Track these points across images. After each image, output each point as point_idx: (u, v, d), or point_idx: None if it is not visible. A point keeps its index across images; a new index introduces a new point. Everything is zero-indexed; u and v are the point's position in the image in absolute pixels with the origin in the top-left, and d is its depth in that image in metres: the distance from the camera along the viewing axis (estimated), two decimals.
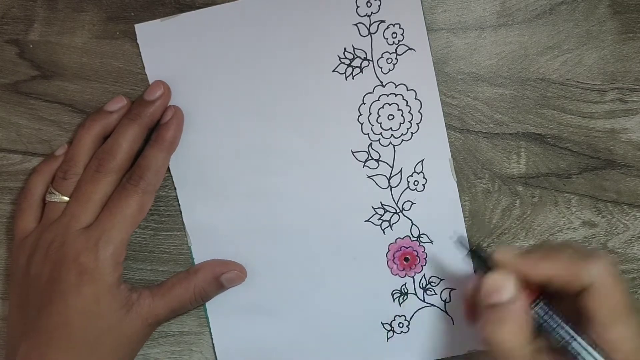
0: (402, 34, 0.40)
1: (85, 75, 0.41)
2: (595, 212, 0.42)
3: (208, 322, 0.43)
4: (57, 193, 0.39)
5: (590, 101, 0.40)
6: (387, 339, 0.42)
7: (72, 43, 0.41)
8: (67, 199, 0.39)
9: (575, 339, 0.31)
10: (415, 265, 0.42)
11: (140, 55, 0.40)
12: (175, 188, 0.41)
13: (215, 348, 0.43)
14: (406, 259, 0.42)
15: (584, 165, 0.41)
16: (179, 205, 0.42)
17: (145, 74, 0.41)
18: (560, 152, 0.41)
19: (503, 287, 0.32)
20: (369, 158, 0.41)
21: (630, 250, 0.42)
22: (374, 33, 0.40)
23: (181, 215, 0.42)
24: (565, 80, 0.40)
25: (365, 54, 0.40)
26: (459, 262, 0.42)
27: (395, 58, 0.40)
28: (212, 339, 0.43)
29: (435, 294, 0.42)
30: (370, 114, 0.41)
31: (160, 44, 0.40)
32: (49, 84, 0.41)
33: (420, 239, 0.42)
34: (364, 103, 0.41)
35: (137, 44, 0.40)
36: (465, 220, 0.41)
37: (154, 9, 0.40)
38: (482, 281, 0.33)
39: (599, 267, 0.31)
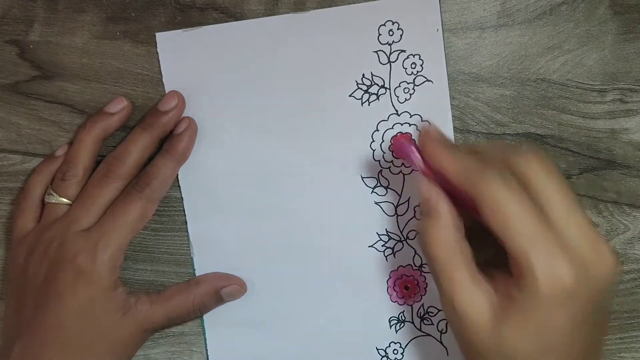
0: (421, 65, 0.40)
1: (86, 76, 0.41)
2: (595, 212, 0.41)
3: (204, 334, 0.43)
4: (55, 194, 0.39)
5: (590, 102, 0.40)
6: None
7: (72, 43, 0.41)
8: (65, 200, 0.39)
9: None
10: (415, 294, 0.42)
11: (141, 57, 0.40)
12: (180, 189, 0.41)
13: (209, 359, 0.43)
14: (406, 287, 0.42)
15: (584, 165, 0.41)
16: (185, 214, 0.42)
17: (147, 75, 0.41)
18: (560, 152, 0.41)
19: (432, 200, 0.31)
20: (378, 184, 0.41)
21: (630, 251, 0.42)
22: (393, 62, 0.40)
23: (185, 219, 0.42)
24: (566, 80, 0.40)
25: (383, 81, 0.40)
26: None
27: (413, 88, 0.40)
28: (206, 350, 0.43)
29: (432, 324, 0.42)
30: (383, 141, 0.41)
31: (180, 54, 0.40)
32: (49, 85, 0.41)
33: (422, 268, 0.42)
34: (377, 130, 0.40)
35: (138, 44, 0.40)
36: None
37: (154, 9, 0.40)
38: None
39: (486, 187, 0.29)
